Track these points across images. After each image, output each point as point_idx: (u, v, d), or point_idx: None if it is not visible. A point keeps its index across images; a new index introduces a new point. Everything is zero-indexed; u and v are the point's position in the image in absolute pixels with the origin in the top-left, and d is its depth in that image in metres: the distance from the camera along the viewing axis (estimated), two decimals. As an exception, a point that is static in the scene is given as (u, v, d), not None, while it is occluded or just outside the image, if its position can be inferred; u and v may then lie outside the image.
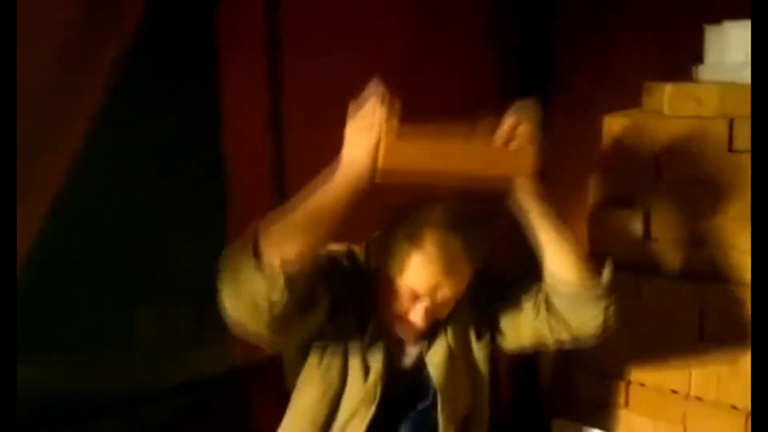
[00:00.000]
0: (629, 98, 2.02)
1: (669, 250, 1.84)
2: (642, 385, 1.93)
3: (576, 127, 2.37)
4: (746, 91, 1.73)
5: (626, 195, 1.89)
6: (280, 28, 1.92)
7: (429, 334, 1.51)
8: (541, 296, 1.51)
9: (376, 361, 1.46)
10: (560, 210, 2.36)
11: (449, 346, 1.51)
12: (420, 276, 1.38)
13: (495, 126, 1.34)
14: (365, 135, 1.23)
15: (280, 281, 1.22)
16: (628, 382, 1.95)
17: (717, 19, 1.91)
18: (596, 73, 2.33)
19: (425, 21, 2.22)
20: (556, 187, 2.35)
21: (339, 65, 2.01)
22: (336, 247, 1.50)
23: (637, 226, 1.87)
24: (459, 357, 1.53)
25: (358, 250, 1.52)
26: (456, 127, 1.32)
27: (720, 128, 1.74)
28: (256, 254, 1.23)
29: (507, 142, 1.34)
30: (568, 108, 2.42)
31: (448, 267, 1.37)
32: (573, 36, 2.41)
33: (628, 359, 1.94)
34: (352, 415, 1.46)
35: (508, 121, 1.33)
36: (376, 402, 1.46)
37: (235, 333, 1.33)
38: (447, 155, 1.29)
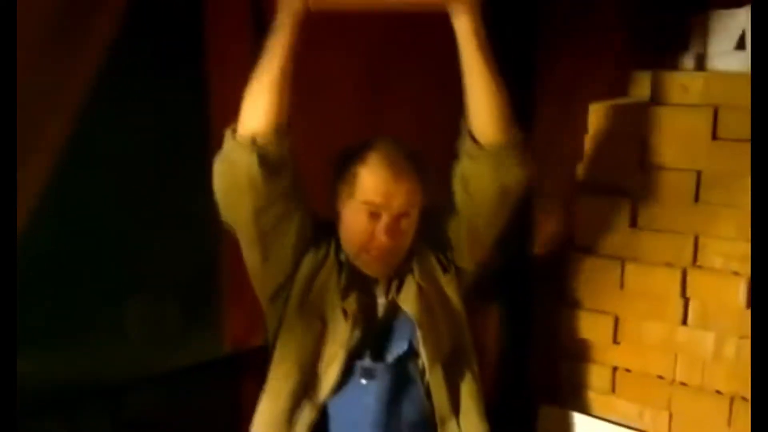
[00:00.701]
0: (614, 86, 2.03)
1: (654, 238, 1.86)
2: (628, 371, 1.96)
3: (561, 114, 2.38)
4: (731, 80, 1.76)
5: (612, 183, 1.91)
6: (266, 15, 1.92)
7: (396, 275, 1.54)
8: (459, 181, 1.53)
9: (351, 306, 1.50)
10: (545, 197, 2.41)
11: (419, 284, 1.55)
12: (371, 185, 1.44)
13: None
14: None
15: (253, 144, 1.37)
16: (614, 368, 1.97)
17: (704, 8, 1.92)
18: (581, 60, 2.33)
19: (407, 15, 2.22)
20: (541, 174, 2.40)
21: (325, 53, 2.02)
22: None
23: (622, 214, 1.89)
24: (431, 294, 1.56)
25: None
26: None
27: (705, 116, 1.76)
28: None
29: None
30: (552, 95, 2.42)
31: (395, 172, 1.43)
32: (557, 23, 2.41)
33: (614, 345, 1.96)
34: (328, 364, 1.50)
35: None
36: (352, 346, 1.49)
37: (225, 224, 1.47)
38: None
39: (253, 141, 1.38)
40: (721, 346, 1.80)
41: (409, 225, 1.48)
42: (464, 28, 1.41)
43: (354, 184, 1.45)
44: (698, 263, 1.81)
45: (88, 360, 1.85)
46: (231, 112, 1.91)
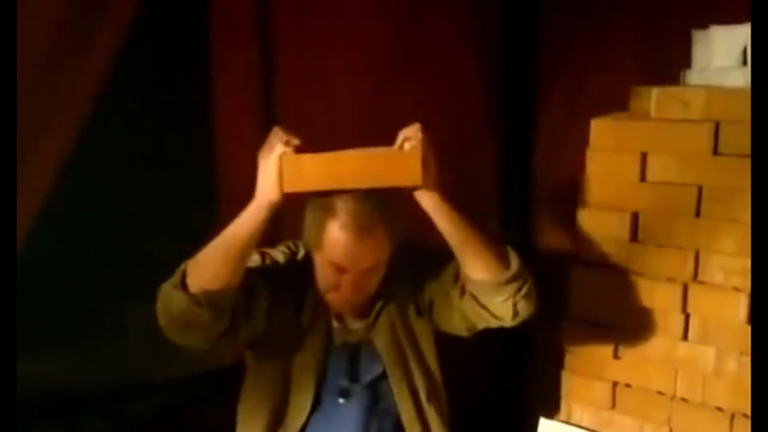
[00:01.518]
0: (615, 101, 2.03)
1: (655, 252, 1.85)
2: (628, 386, 1.95)
3: (562, 128, 2.39)
4: (732, 96, 1.76)
5: (613, 197, 1.91)
6: (271, 20, 1.93)
7: (369, 310, 1.60)
8: (461, 280, 1.56)
9: (314, 343, 1.58)
10: (546, 211, 2.41)
11: (392, 323, 1.61)
12: (337, 248, 1.46)
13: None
14: (268, 159, 1.36)
15: (205, 303, 1.37)
16: (615, 383, 1.96)
17: (704, 23, 1.93)
18: (582, 75, 2.35)
19: (410, 21, 2.24)
20: (541, 187, 2.42)
21: (329, 60, 2.03)
22: (280, 245, 1.65)
23: (623, 228, 1.89)
24: (404, 335, 1.62)
25: (301, 244, 1.63)
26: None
27: (706, 132, 1.75)
28: (184, 285, 1.39)
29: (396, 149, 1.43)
30: (553, 109, 2.43)
31: (361, 233, 1.45)
32: (559, 38, 2.42)
33: (614, 360, 1.95)
34: (300, 394, 1.58)
35: (398, 139, 1.44)
36: (315, 379, 1.57)
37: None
38: (342, 165, 1.41)
39: (208, 300, 1.37)
40: (722, 362, 1.79)
41: (376, 277, 1.53)
42: (430, 205, 1.45)
43: (321, 239, 1.47)
44: (699, 278, 1.80)
45: (88, 366, 1.85)
46: (234, 119, 1.94)
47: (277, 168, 1.35)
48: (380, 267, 1.52)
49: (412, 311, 1.64)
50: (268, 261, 1.59)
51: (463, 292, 1.55)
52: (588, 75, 2.30)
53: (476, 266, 1.49)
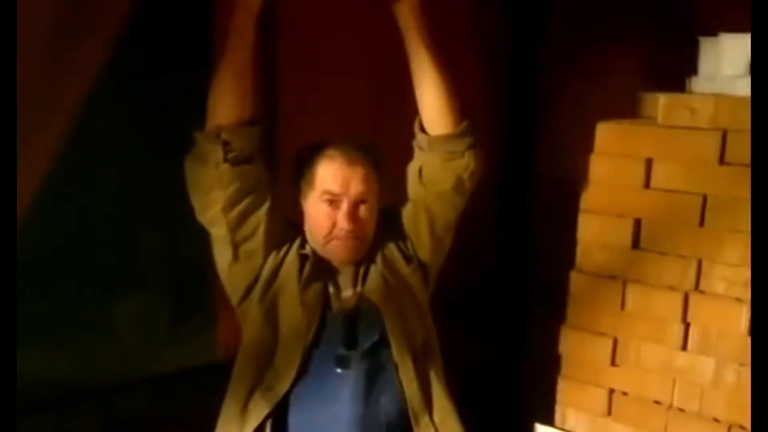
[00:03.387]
0: (619, 107, 2.02)
1: (656, 260, 1.84)
2: (624, 394, 1.93)
3: (564, 133, 2.37)
4: (740, 104, 1.74)
5: (616, 203, 1.89)
6: (275, 12, 1.91)
7: (361, 266, 1.57)
8: (414, 171, 1.58)
9: (308, 305, 1.53)
10: (546, 216, 2.40)
11: (383, 275, 1.58)
12: (328, 174, 1.50)
13: None
14: None
15: (217, 138, 1.44)
16: (611, 391, 1.95)
17: (712, 31, 1.91)
18: (586, 81, 2.33)
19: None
20: (541, 192, 2.40)
21: (332, 53, 2.01)
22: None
23: (625, 235, 1.87)
24: (395, 284, 1.58)
25: None
26: None
27: (713, 140, 1.74)
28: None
29: None
30: (555, 114, 2.42)
31: (350, 160, 1.50)
32: (564, 43, 2.41)
33: (611, 367, 1.94)
34: (289, 356, 1.52)
35: None
36: (307, 344, 1.51)
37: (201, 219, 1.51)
38: None
39: (218, 135, 1.44)
40: (721, 373, 1.78)
41: (368, 212, 1.53)
42: (408, 25, 1.49)
43: (313, 176, 1.52)
44: (701, 288, 1.79)
45: (79, 361, 1.83)
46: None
47: None
48: (371, 202, 1.53)
49: (400, 261, 1.61)
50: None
51: (412, 181, 1.58)
52: (592, 80, 2.28)
53: (438, 107, 1.52)
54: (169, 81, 1.84)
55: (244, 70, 1.46)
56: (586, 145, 1.97)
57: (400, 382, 1.53)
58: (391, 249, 1.61)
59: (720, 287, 1.76)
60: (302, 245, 1.57)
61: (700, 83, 1.92)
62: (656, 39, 2.19)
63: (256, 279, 1.55)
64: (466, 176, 1.56)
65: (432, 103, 1.53)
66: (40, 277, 1.71)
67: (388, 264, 1.59)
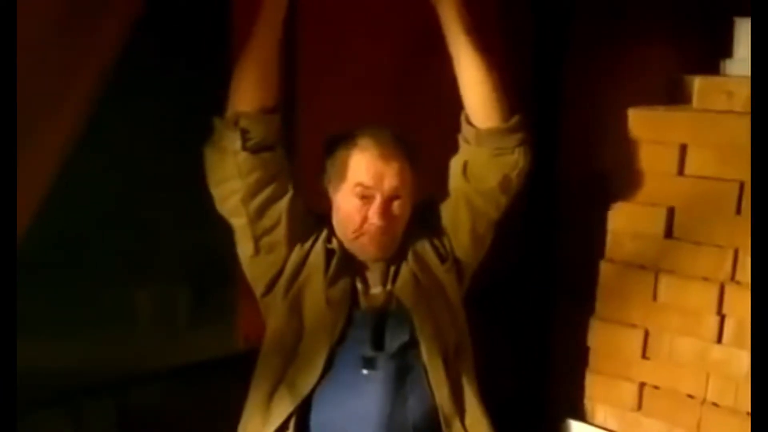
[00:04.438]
0: (651, 91, 1.95)
1: (691, 250, 1.77)
2: (656, 388, 1.88)
3: (592, 119, 2.31)
4: (779, 87, 1.67)
5: (648, 191, 1.83)
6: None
7: (392, 263, 1.52)
8: (458, 166, 1.53)
9: (335, 301, 1.49)
10: (573, 205, 2.33)
11: (414, 273, 1.53)
12: (362, 166, 1.44)
13: None
14: None
15: (237, 125, 1.40)
16: (642, 384, 1.89)
17: (747, 11, 1.83)
18: (616, 65, 2.26)
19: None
20: (568, 180, 2.34)
21: (353, 46, 1.95)
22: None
23: (658, 224, 1.81)
24: (427, 283, 1.54)
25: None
26: None
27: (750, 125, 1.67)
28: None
29: None
30: (583, 99, 2.35)
31: (385, 153, 1.44)
32: (592, 26, 2.34)
33: (642, 360, 1.88)
34: (314, 353, 1.48)
35: None
36: (333, 341, 1.47)
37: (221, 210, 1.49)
38: None
39: (237, 121, 1.41)
40: (758, 367, 1.71)
41: (401, 208, 1.48)
42: (447, 15, 1.44)
43: (345, 167, 1.46)
44: (737, 279, 1.72)
45: (96, 352, 1.81)
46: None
47: None
48: (405, 197, 1.47)
49: (434, 259, 1.56)
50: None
51: (455, 176, 1.53)
52: (622, 64, 2.21)
53: (484, 101, 1.46)
54: (187, 70, 1.81)
55: (271, 56, 1.41)
56: (616, 132, 1.90)
57: (430, 385, 1.48)
58: (425, 246, 1.56)
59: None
60: (329, 239, 1.52)
61: (734, 66, 1.85)
62: (688, 20, 2.12)
63: (280, 273, 1.51)
64: (513, 174, 1.51)
65: (478, 96, 1.47)
66: (57, 268, 1.69)
67: (421, 262, 1.54)
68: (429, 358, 1.49)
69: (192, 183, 1.86)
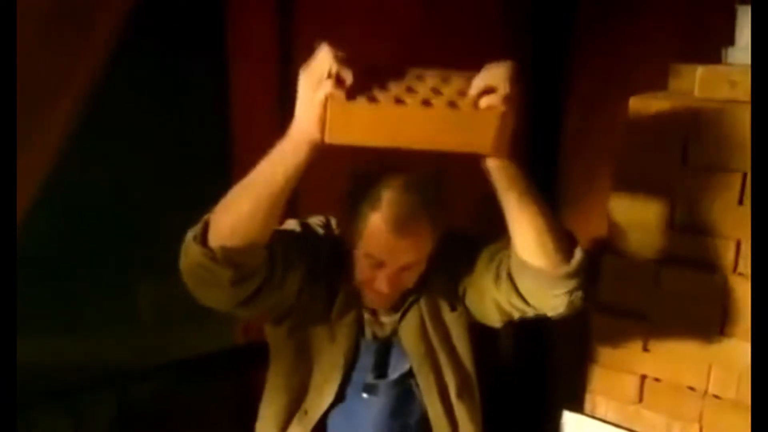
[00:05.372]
0: (652, 79, 1.92)
1: (693, 240, 1.75)
2: (657, 380, 1.86)
3: (592, 108, 2.29)
4: (783, 76, 1.64)
5: (651, 181, 1.80)
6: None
7: (401, 304, 1.51)
8: (504, 268, 1.39)
9: (343, 333, 1.48)
10: (575, 195, 2.31)
11: (422, 318, 1.51)
12: (378, 241, 1.36)
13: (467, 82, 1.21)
14: (313, 91, 1.12)
15: (223, 261, 1.21)
16: (643, 377, 1.87)
17: (752, -1, 1.81)
18: (615, 52, 2.23)
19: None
20: (570, 170, 2.32)
21: (352, 39, 1.92)
22: (313, 218, 1.55)
23: (661, 214, 1.78)
24: (434, 330, 1.52)
25: (334, 220, 1.55)
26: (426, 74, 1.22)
27: (754, 113, 1.65)
28: (205, 237, 1.23)
29: (472, 106, 1.18)
30: (584, 88, 2.32)
31: (403, 228, 1.33)
32: (592, 13, 2.31)
33: (643, 352, 1.86)
34: (325, 382, 1.49)
35: (476, 85, 1.19)
36: (343, 371, 1.48)
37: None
38: (399, 122, 1.15)
39: (226, 257, 1.21)
40: (760, 359, 1.70)
41: (413, 274, 1.44)
42: (499, 176, 1.25)
43: (362, 227, 1.36)
44: (740, 270, 1.70)
45: (95, 348, 1.80)
46: (251, 97, 1.85)
47: (323, 109, 1.11)
48: (419, 264, 1.42)
49: (445, 305, 1.53)
50: (305, 232, 1.50)
51: (498, 276, 1.38)
52: (622, 52, 2.19)
53: (537, 252, 1.28)
54: (186, 63, 1.79)
55: (283, 197, 1.20)
56: (613, 120, 1.88)
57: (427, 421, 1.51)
58: (440, 288, 1.51)
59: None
60: (337, 275, 1.47)
61: (737, 54, 1.82)
62: (690, 7, 2.09)
63: (289, 310, 1.47)
64: (551, 314, 1.39)
65: (531, 247, 1.29)
66: (56, 263, 1.68)
67: (432, 307, 1.52)
68: (427, 396, 1.51)
69: (194, 176, 1.85)
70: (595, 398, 1.95)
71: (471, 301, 1.53)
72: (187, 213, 1.86)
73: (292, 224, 1.50)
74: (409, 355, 1.51)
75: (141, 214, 1.83)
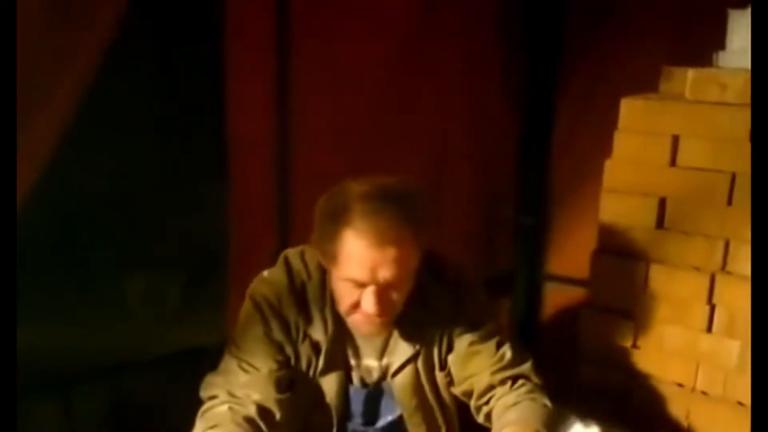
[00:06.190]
0: (643, 82, 1.95)
1: (682, 240, 1.79)
2: (646, 377, 1.89)
3: (584, 110, 2.31)
4: (772, 79, 1.67)
5: (640, 181, 1.83)
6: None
7: (391, 338, 1.45)
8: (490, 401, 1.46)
9: (330, 386, 1.44)
10: (566, 195, 2.33)
11: (417, 373, 1.47)
12: (357, 259, 1.25)
13: None
14: None
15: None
16: (632, 374, 1.90)
17: (741, 3, 1.84)
18: (607, 55, 2.26)
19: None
20: (561, 171, 2.34)
21: (348, 39, 1.94)
22: (292, 256, 1.46)
23: (649, 214, 1.82)
24: (427, 385, 1.49)
25: (308, 250, 1.44)
26: None
27: (743, 116, 1.68)
28: None
29: None
30: (575, 90, 2.35)
31: (384, 239, 1.23)
32: (584, 16, 2.33)
33: (632, 349, 1.89)
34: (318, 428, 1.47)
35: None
36: (336, 422, 1.45)
37: None
38: None
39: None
40: (747, 357, 1.72)
41: (399, 292, 1.33)
42: None
43: (337, 249, 1.28)
44: (727, 269, 1.74)
45: (87, 340, 1.80)
46: (248, 84, 1.85)
47: None
48: (405, 280, 1.31)
49: (437, 362, 1.48)
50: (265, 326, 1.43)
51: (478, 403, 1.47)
52: (614, 55, 2.21)
53: None
54: (183, 55, 1.79)
55: None
56: (608, 122, 1.91)
57: None
58: (434, 344, 1.47)
59: (747, 268, 1.71)
60: (319, 324, 1.42)
61: (728, 58, 1.85)
62: (682, 11, 2.12)
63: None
64: None
65: None
66: (49, 254, 1.67)
67: (428, 364, 1.47)
68: None
69: (185, 173, 1.85)
70: (586, 394, 1.97)
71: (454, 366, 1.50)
72: (184, 209, 1.88)
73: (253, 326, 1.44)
74: (401, 408, 1.48)
75: (137, 204, 1.83)
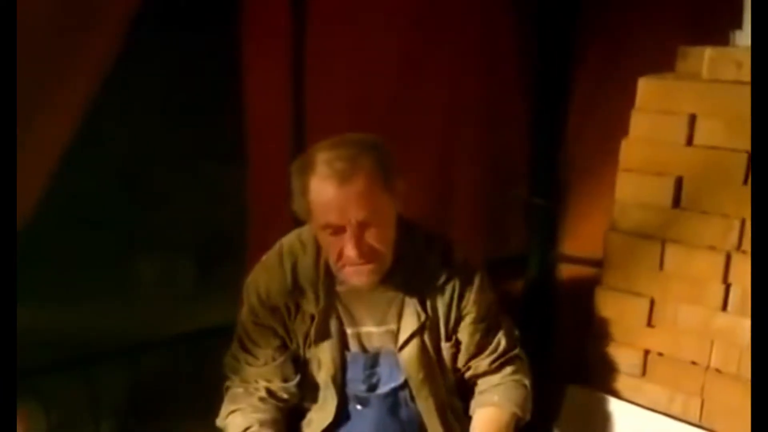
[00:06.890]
0: (657, 61, 1.95)
1: (698, 219, 1.79)
2: (660, 354, 1.90)
3: (599, 89, 2.30)
4: (789, 58, 1.67)
5: (657, 161, 1.83)
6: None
7: (394, 303, 1.51)
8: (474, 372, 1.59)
9: (324, 353, 1.51)
10: (580, 175, 2.33)
11: (423, 345, 1.52)
12: (325, 202, 1.32)
13: None
14: None
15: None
16: (646, 351, 1.92)
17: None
18: (622, 34, 2.25)
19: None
20: (575, 150, 2.34)
21: (362, 22, 1.94)
22: (289, 235, 1.55)
23: (665, 193, 1.82)
24: (434, 356, 1.55)
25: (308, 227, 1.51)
26: None
27: (760, 95, 1.67)
28: None
29: None
30: (590, 69, 2.34)
31: (346, 177, 1.30)
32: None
33: (647, 328, 1.90)
34: (324, 400, 1.55)
35: None
36: (336, 391, 1.52)
37: None
38: None
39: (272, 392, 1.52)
40: (762, 335, 1.74)
41: (379, 232, 1.36)
42: None
43: (308, 204, 1.36)
44: (743, 248, 1.74)
45: (105, 320, 1.82)
46: (265, 75, 1.86)
47: None
48: (381, 221, 1.36)
49: (443, 336, 1.55)
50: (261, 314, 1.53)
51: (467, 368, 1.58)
52: (629, 34, 2.20)
53: None
54: (196, 40, 1.80)
55: None
56: (624, 101, 1.90)
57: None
58: (441, 312, 1.53)
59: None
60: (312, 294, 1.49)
61: (744, 37, 1.84)
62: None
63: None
64: None
65: None
66: (66, 236, 1.69)
67: (432, 336, 1.53)
68: (427, 420, 1.56)
69: (199, 156, 1.87)
70: (598, 372, 1.99)
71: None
72: (199, 191, 1.90)
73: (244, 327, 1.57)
74: (408, 380, 1.53)
75: (157, 187, 1.85)
